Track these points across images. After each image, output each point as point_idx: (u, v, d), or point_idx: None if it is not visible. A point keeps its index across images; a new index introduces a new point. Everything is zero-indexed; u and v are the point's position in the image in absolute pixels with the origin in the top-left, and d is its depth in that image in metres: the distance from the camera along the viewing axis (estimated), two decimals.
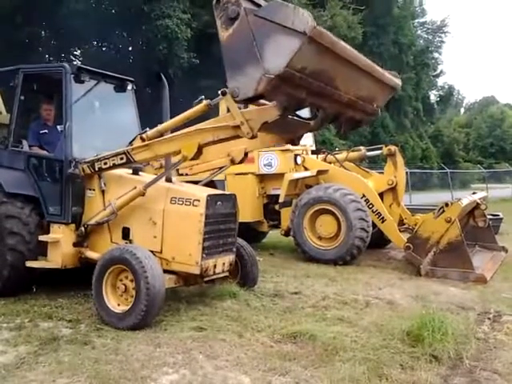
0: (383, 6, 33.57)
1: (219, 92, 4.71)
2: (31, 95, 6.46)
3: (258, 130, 4.69)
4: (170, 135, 5.31)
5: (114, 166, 5.60)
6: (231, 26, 4.01)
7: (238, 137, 4.96)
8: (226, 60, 4.11)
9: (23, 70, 6.15)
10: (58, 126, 6.27)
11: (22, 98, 6.16)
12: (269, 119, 4.58)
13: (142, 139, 5.48)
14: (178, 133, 5.25)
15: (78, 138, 5.91)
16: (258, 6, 4.12)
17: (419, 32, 46.78)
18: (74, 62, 23.98)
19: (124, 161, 5.50)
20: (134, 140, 5.60)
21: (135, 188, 5.49)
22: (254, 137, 4.78)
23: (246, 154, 5.83)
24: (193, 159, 5.33)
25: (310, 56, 3.93)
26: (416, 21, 46.23)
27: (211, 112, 5.69)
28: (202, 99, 5.39)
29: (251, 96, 4.06)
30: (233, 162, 5.97)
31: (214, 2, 4.09)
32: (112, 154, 5.56)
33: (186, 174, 8.32)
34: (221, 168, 6.41)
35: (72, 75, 5.87)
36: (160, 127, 5.47)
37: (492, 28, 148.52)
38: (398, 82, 5.34)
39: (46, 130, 6.46)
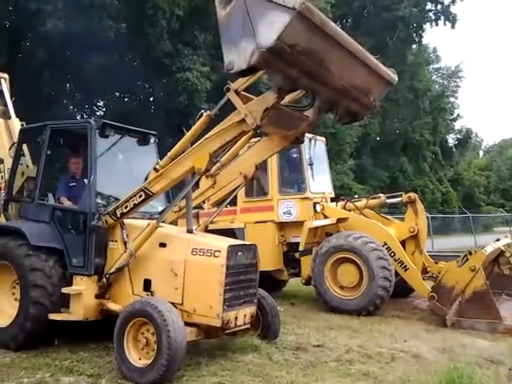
0: (398, 54, 34.22)
1: (224, 89, 5.07)
2: (57, 150, 6.66)
3: (261, 119, 4.86)
4: (180, 156, 5.43)
5: (136, 206, 5.66)
6: (228, 5, 4.22)
7: (243, 133, 5.18)
8: (223, 37, 4.31)
9: (50, 126, 6.38)
10: (85, 180, 6.43)
11: (49, 152, 6.37)
12: (268, 105, 4.82)
13: (156, 170, 5.60)
14: (187, 151, 5.38)
15: (102, 191, 6.04)
16: None
17: (434, 77, 47.45)
18: (98, 113, 24.83)
19: (143, 197, 5.57)
20: (148, 175, 5.71)
21: (149, 224, 5.53)
22: (258, 127, 4.95)
23: (256, 168, 6.03)
24: (206, 171, 5.44)
25: (300, 32, 4.11)
26: (431, 67, 47.02)
27: None
28: (202, 113, 5.54)
29: (244, 68, 4.22)
30: (246, 179, 6.08)
31: None
32: (129, 195, 5.65)
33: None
34: (236, 189, 6.58)
35: (97, 130, 6.06)
36: (170, 153, 5.60)
37: (508, 70, 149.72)
38: (394, 76, 5.44)
39: (74, 183, 6.63)
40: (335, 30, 4.42)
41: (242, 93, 5.31)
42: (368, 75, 5.10)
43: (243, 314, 5.50)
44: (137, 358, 4.95)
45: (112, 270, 5.75)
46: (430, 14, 35.43)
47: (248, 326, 5.69)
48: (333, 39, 4.41)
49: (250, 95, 5.41)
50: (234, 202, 9.37)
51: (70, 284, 5.88)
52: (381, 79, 5.32)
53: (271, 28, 3.98)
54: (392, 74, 5.45)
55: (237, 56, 4.19)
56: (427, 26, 35.86)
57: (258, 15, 4.06)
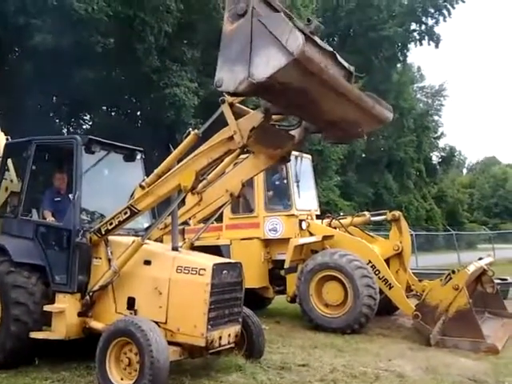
0: (383, 72, 34.77)
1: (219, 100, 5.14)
2: (43, 165, 6.61)
3: (248, 138, 4.90)
4: (167, 174, 5.44)
5: (121, 224, 5.65)
6: (236, 22, 4.13)
7: (230, 152, 5.20)
8: (221, 52, 4.24)
9: (36, 141, 6.33)
10: (70, 195, 6.39)
11: (34, 167, 6.31)
12: (255, 124, 4.87)
13: (142, 187, 5.60)
14: (174, 169, 5.39)
15: (88, 208, 6.00)
16: (271, 7, 4.23)
17: (419, 96, 48.22)
18: (84, 127, 24.71)
19: (128, 214, 5.57)
20: (134, 192, 5.70)
21: (133, 242, 5.50)
22: (245, 146, 4.99)
23: (242, 185, 6.08)
24: (193, 189, 5.46)
25: (294, 75, 4.06)
26: (415, 85, 47.77)
27: None
28: (189, 131, 5.55)
29: (231, 91, 4.22)
30: (232, 196, 6.14)
31: None
32: (115, 213, 5.64)
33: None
34: (222, 206, 6.61)
35: (83, 146, 6.04)
36: (156, 170, 5.61)
37: (490, 90, 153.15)
38: (388, 115, 5.42)
39: (59, 198, 6.58)
40: (333, 77, 4.35)
41: (238, 105, 5.35)
42: (361, 114, 5.09)
43: (228, 334, 5.47)
44: (119, 378, 4.89)
45: (95, 288, 5.70)
46: (415, 33, 36.21)
47: (232, 345, 5.65)
48: (329, 85, 4.36)
49: (245, 108, 5.44)
50: (219, 219, 9.35)
51: (52, 301, 5.80)
52: (375, 117, 5.32)
53: (267, 64, 3.93)
54: (387, 114, 5.39)
55: (228, 76, 4.16)
56: (412, 45, 36.68)
57: (259, 45, 4.00)
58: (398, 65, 38.18)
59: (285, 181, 9.84)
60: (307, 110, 4.69)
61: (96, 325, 5.66)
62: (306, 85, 4.24)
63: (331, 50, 4.85)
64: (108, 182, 6.89)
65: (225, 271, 5.50)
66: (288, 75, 4.00)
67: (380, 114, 5.28)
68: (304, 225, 9.49)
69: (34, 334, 5.61)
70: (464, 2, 34.20)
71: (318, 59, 4.09)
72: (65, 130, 22.91)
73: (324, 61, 4.27)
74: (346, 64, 5.10)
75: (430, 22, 35.50)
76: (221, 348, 5.44)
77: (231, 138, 5.01)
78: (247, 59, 4.04)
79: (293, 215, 9.53)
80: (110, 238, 5.85)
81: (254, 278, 8.96)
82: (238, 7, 4.10)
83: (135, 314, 5.44)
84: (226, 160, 6.49)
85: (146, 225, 6.63)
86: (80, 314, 5.74)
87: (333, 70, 4.47)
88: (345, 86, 4.56)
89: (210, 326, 5.17)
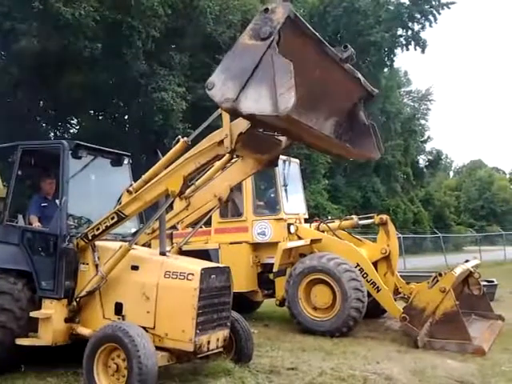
0: (371, 77, 34.88)
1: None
2: (29, 170, 6.56)
3: (236, 143, 4.91)
4: (155, 179, 5.43)
5: (107, 229, 5.63)
6: (254, 41, 3.96)
7: (217, 158, 5.25)
8: (225, 59, 4.12)
9: (22, 146, 6.28)
10: (57, 200, 6.34)
11: (20, 173, 6.26)
12: (242, 130, 4.87)
13: (129, 192, 5.57)
14: (162, 174, 5.38)
15: (74, 213, 5.96)
16: (302, 32, 4.15)
17: (405, 100, 48.59)
18: (71, 131, 24.56)
19: (116, 219, 5.55)
20: (121, 197, 5.67)
21: (121, 247, 5.48)
22: (233, 151, 5.02)
23: (231, 190, 6.12)
24: (181, 194, 5.46)
25: (277, 122, 4.08)
26: (402, 90, 48.17)
27: None
28: (178, 139, 5.52)
29: (216, 101, 4.14)
30: (220, 201, 6.17)
31: (263, 8, 3.98)
32: (102, 218, 5.62)
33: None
34: (210, 211, 6.64)
35: (70, 151, 6.00)
36: (144, 176, 5.59)
37: (476, 94, 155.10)
38: (374, 155, 5.38)
39: (46, 203, 6.53)
40: (317, 134, 4.39)
41: None
42: (343, 152, 5.19)
43: (216, 338, 5.46)
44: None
45: (82, 294, 5.66)
46: (401, 39, 36.43)
47: (221, 349, 5.64)
48: (313, 136, 4.43)
49: None
50: (208, 223, 9.35)
51: (38, 308, 5.75)
52: (357, 156, 5.45)
53: (255, 102, 3.85)
54: (372, 154, 5.31)
55: (219, 86, 4.06)
56: (398, 50, 36.92)
57: (258, 79, 3.88)
58: (385, 69, 38.46)
59: (273, 185, 9.87)
60: (291, 137, 4.84)
61: (83, 331, 5.62)
62: (288, 128, 4.30)
63: (358, 76, 4.91)
64: (95, 187, 6.85)
65: (213, 276, 5.49)
66: (271, 120, 4.01)
67: (364, 155, 5.35)
68: (292, 228, 9.51)
69: (20, 341, 5.56)
70: (449, 8, 34.53)
71: (304, 120, 4.05)
72: (52, 134, 22.75)
73: (313, 119, 4.30)
74: (369, 88, 5.18)
75: (417, 27, 35.77)
76: (209, 352, 5.43)
77: (220, 143, 5.01)
78: (242, 83, 3.93)
79: (281, 219, 9.55)
80: (97, 243, 5.82)
81: (242, 281, 8.97)
82: (262, 28, 3.91)
83: (123, 320, 5.41)
84: (215, 166, 6.48)
85: (133, 229, 6.59)
86: (67, 320, 5.70)
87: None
88: (328, 141, 4.67)
89: (198, 331, 5.15)
